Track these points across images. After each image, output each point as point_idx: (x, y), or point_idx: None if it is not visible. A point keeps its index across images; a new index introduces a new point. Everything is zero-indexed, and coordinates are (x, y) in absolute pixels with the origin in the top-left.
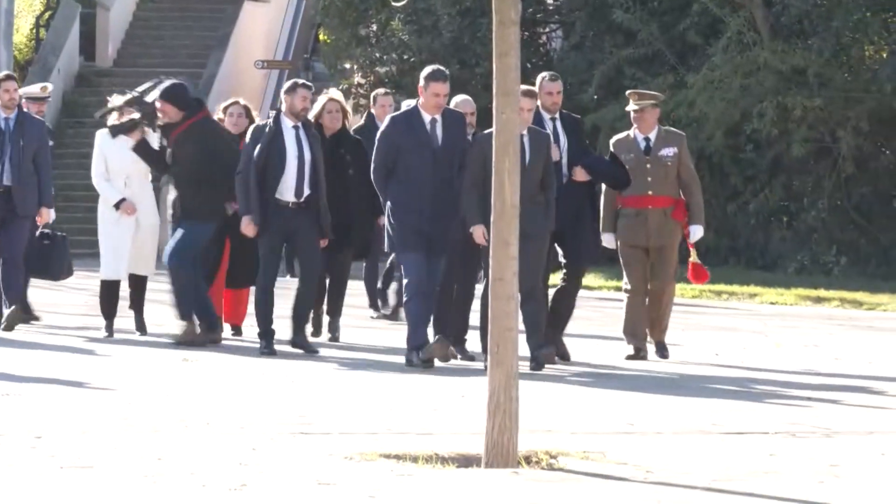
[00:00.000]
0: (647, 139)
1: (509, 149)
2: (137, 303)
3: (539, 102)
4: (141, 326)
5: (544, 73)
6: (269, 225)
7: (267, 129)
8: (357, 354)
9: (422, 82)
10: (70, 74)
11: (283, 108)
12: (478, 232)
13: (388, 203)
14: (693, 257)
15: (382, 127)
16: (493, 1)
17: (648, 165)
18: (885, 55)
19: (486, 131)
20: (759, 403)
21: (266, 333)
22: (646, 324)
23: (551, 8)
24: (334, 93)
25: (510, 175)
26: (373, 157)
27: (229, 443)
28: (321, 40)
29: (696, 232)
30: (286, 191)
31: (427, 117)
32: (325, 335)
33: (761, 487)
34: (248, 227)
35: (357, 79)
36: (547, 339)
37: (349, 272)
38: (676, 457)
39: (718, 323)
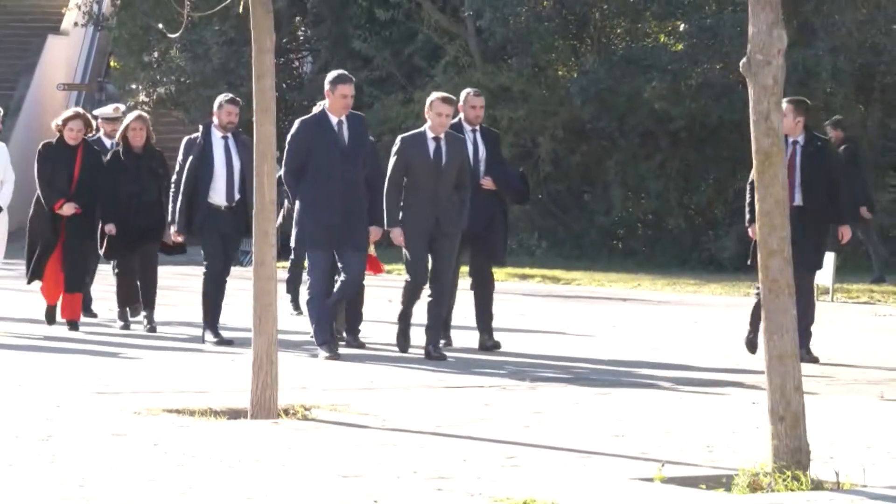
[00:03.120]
0: None
1: (267, 155)
2: None
3: (462, 115)
4: None
5: (469, 89)
6: (205, 225)
7: (197, 142)
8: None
9: (328, 86)
10: None
11: (214, 121)
12: (395, 233)
13: (298, 202)
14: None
15: (293, 130)
16: (252, 32)
17: None
18: (574, 75)
19: (407, 134)
20: (472, 363)
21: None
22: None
23: (302, 38)
24: (138, 113)
25: (268, 177)
26: (284, 159)
27: (37, 401)
28: (112, 66)
29: (373, 231)
30: (217, 196)
31: (334, 119)
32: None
33: (478, 431)
34: (175, 235)
35: (141, 97)
36: (438, 339)
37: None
38: (408, 408)
39: None
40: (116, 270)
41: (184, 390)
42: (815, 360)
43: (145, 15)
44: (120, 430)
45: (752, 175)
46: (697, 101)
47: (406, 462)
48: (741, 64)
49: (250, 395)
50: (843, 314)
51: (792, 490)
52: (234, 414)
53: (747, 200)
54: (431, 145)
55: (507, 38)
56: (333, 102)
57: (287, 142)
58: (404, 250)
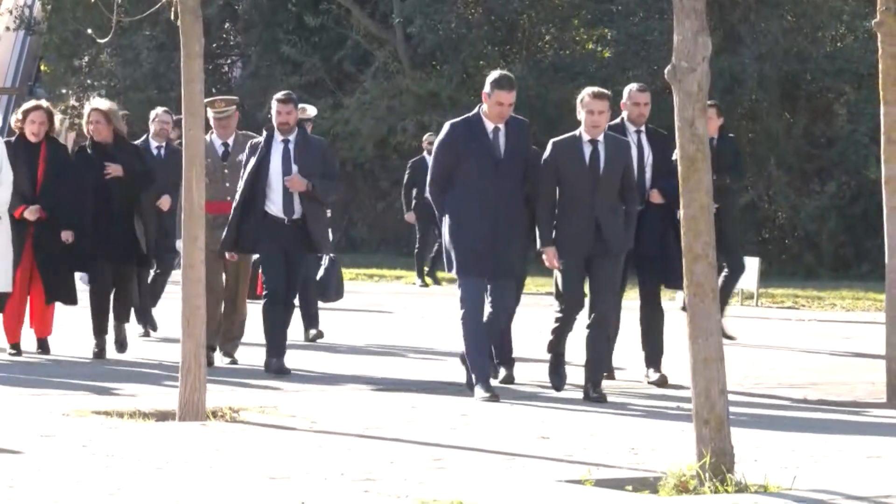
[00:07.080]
0: (225, 144)
1: (196, 160)
2: None
3: (625, 113)
4: None
5: (633, 84)
6: (263, 241)
7: (259, 147)
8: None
9: (487, 88)
10: None
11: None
12: (548, 253)
13: (446, 218)
14: None
15: (441, 134)
16: (181, 38)
17: (226, 171)
18: None
19: (559, 138)
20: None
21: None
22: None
23: (232, 43)
24: (98, 102)
25: (196, 181)
26: (430, 167)
27: None
28: (43, 70)
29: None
30: (275, 208)
31: (490, 124)
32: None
33: (405, 433)
34: (228, 255)
35: (72, 102)
36: (599, 378)
37: (133, 281)
38: (336, 410)
39: (368, 302)
40: (88, 285)
41: (113, 392)
42: None
43: (75, 20)
44: (49, 432)
45: None
46: None
47: (334, 464)
48: (666, 71)
49: (178, 398)
50: (768, 319)
51: (717, 492)
52: (163, 416)
53: None
54: (587, 150)
55: (436, 45)
56: (489, 108)
57: (434, 147)
58: (556, 274)
